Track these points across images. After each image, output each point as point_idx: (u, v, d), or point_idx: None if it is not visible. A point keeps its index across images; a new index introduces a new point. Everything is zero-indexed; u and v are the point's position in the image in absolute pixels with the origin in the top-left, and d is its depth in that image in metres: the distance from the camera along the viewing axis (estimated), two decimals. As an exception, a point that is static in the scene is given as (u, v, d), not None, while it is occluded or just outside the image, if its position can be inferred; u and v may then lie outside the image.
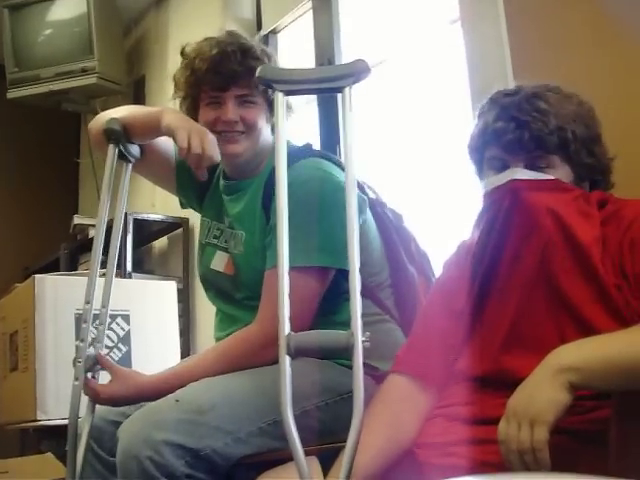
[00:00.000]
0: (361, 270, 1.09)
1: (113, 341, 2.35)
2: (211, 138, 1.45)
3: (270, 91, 1.52)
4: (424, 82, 2.51)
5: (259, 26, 3.28)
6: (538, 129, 1.17)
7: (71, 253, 3.69)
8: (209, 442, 1.30)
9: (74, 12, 3.65)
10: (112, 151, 1.53)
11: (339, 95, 1.16)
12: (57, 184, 4.48)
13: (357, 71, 1.15)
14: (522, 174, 1.19)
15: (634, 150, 1.27)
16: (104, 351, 1.49)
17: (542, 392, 0.95)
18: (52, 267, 3.57)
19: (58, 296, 2.35)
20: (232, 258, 1.61)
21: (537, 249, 1.14)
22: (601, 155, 1.25)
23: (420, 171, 2.45)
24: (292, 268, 1.11)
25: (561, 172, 1.21)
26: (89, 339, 1.42)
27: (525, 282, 1.14)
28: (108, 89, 3.71)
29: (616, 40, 1.61)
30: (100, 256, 1.51)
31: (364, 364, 1.04)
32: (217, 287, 1.68)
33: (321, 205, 1.45)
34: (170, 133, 1.46)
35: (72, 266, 3.64)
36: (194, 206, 1.81)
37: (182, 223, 3.30)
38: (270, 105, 1.59)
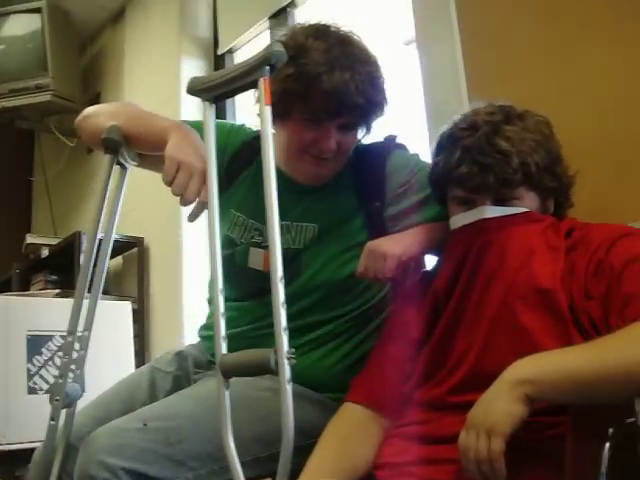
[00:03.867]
0: None
1: (66, 363, 2.30)
2: (198, 181, 1.25)
3: (372, 114, 1.44)
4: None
5: (216, 45, 3.29)
6: (502, 171, 1.18)
7: (23, 273, 3.64)
8: (170, 475, 1.26)
9: (28, 28, 3.61)
10: (110, 162, 1.38)
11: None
12: (9, 202, 4.40)
13: (270, 59, 1.10)
14: (491, 212, 1.21)
15: (588, 166, 1.30)
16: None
17: (499, 404, 0.96)
18: (4, 287, 3.50)
19: (9, 317, 2.29)
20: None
21: (501, 289, 1.16)
22: (563, 174, 1.27)
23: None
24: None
25: (528, 201, 1.23)
26: (70, 375, 1.30)
27: (490, 321, 1.16)
28: (62, 106, 3.67)
29: (568, 60, 1.65)
30: (88, 279, 1.37)
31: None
32: (248, 285, 1.51)
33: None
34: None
35: (24, 286, 3.58)
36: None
37: (137, 243, 3.26)
38: (366, 127, 1.48)
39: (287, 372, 0.98)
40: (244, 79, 1.13)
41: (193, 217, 1.29)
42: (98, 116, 1.49)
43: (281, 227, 1.31)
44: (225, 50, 3.20)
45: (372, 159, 1.51)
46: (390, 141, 1.58)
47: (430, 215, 1.44)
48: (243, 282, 1.51)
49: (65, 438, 1.32)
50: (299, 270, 1.46)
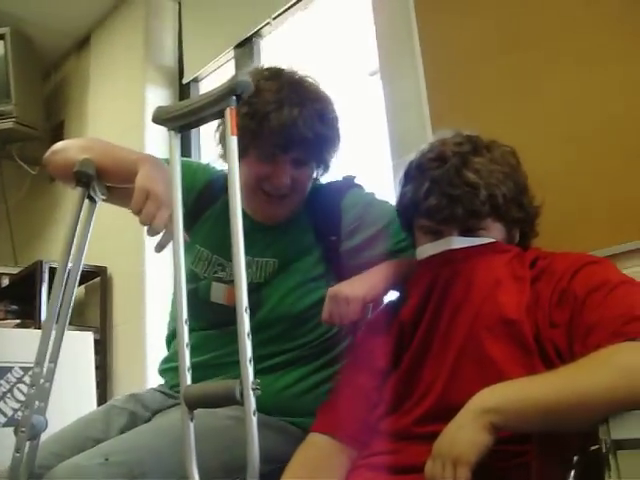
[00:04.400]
0: None
1: (25, 395, 2.25)
2: (167, 211, 1.27)
3: (323, 149, 1.50)
4: (345, 131, 2.55)
5: (181, 74, 3.29)
6: (470, 203, 1.20)
7: (-19, 302, 3.55)
8: None
9: (-9, 55, 3.58)
10: (82, 195, 1.38)
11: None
12: (-31, 230, 4.32)
13: (236, 90, 1.10)
14: (458, 242, 1.22)
15: (552, 196, 1.32)
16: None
17: (464, 433, 0.96)
18: (-39, 317, 3.42)
19: (-34, 347, 2.25)
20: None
21: (467, 319, 1.16)
22: (529, 205, 1.29)
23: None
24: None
25: (494, 231, 1.24)
26: (35, 405, 1.28)
27: (457, 351, 1.16)
28: (25, 134, 3.63)
29: (531, 91, 1.68)
30: (57, 311, 1.35)
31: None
32: (211, 318, 1.53)
33: (385, 211, 1.53)
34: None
35: (-17, 316, 3.50)
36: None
37: (100, 272, 3.22)
38: (319, 163, 1.54)
39: (252, 403, 0.98)
40: (210, 109, 1.13)
41: (160, 247, 1.29)
42: (68, 150, 1.50)
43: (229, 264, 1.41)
44: (190, 79, 3.20)
45: (329, 196, 1.56)
46: (348, 180, 1.62)
47: (388, 248, 1.48)
48: (206, 315, 1.53)
49: (28, 471, 1.28)
50: (260, 303, 1.49)
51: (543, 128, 1.65)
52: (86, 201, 1.39)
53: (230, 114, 1.10)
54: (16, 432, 1.24)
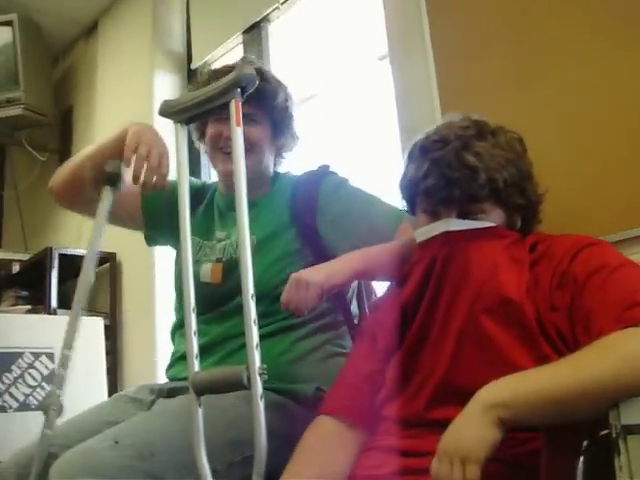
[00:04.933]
0: None
1: (37, 380, 2.27)
2: (158, 155, 1.42)
3: (276, 112, 1.64)
4: (355, 116, 2.54)
5: (189, 59, 3.28)
6: (468, 186, 1.19)
7: (-7, 289, 3.57)
8: None
9: (-1, 41, 3.58)
10: (112, 194, 1.50)
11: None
12: (-21, 217, 4.35)
13: (241, 82, 1.14)
14: (456, 225, 1.21)
15: (559, 182, 1.31)
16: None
17: (471, 430, 0.94)
18: (-27, 303, 3.45)
19: (-21, 333, 2.26)
20: (225, 265, 1.60)
21: (467, 301, 1.16)
22: (532, 192, 1.28)
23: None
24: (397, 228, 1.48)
25: (494, 216, 1.23)
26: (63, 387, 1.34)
27: (457, 333, 1.16)
28: (34, 120, 3.63)
29: (541, 76, 1.67)
30: (85, 298, 1.44)
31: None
32: (200, 300, 1.56)
33: (361, 192, 1.64)
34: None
35: (-6, 302, 3.52)
36: (167, 236, 1.79)
37: (109, 258, 3.23)
38: (271, 123, 1.67)
39: (259, 388, 1.00)
40: (215, 101, 1.17)
41: (147, 187, 1.44)
42: (71, 161, 1.67)
43: (228, 241, 1.59)
44: (199, 64, 3.19)
45: (306, 180, 1.67)
46: (323, 167, 1.71)
47: (362, 228, 1.56)
48: (198, 298, 1.56)
49: (42, 453, 1.33)
50: None
51: (553, 113, 1.64)
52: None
53: (235, 106, 1.13)
54: (47, 411, 1.30)
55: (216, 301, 1.58)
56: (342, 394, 1.30)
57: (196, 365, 1.08)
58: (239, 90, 1.13)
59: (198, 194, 1.77)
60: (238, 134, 1.14)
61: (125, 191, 1.52)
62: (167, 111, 1.21)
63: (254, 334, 1.02)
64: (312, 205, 1.60)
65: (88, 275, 1.46)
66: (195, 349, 1.09)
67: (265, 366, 1.01)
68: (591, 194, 1.55)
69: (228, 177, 1.61)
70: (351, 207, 1.60)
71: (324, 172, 1.69)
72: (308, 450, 1.23)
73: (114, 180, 1.47)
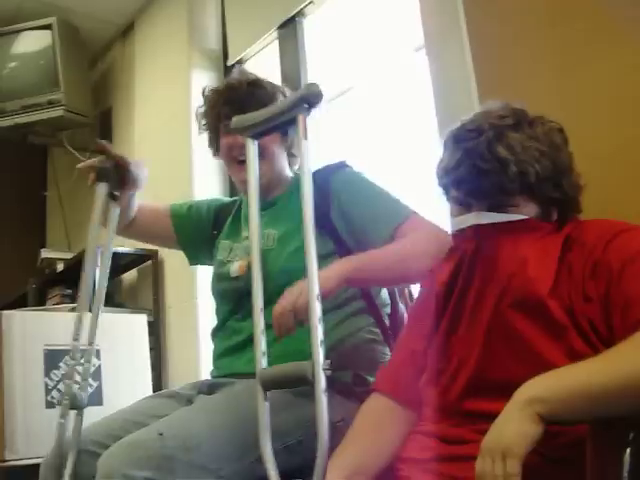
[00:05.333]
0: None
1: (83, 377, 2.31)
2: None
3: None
4: (392, 108, 2.53)
5: (225, 57, 3.30)
6: (498, 178, 1.18)
7: (39, 288, 3.64)
8: None
9: (39, 45, 3.64)
10: (104, 189, 1.65)
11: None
12: (24, 217, 4.43)
13: (308, 98, 1.17)
14: (486, 218, 1.20)
15: (600, 173, 1.29)
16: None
17: (511, 426, 0.95)
18: (20, 302, 3.52)
19: (26, 332, 2.31)
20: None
21: (494, 296, 1.16)
22: (569, 186, 1.25)
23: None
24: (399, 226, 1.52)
25: (526, 209, 1.21)
26: (77, 377, 1.46)
27: (486, 327, 1.16)
28: (75, 121, 3.69)
29: (581, 61, 1.64)
30: (90, 292, 1.55)
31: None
32: (231, 295, 1.70)
33: (372, 186, 1.67)
34: None
35: (40, 301, 3.59)
36: (203, 251, 1.92)
37: (151, 255, 3.27)
38: (285, 132, 1.75)
39: (323, 383, 1.04)
40: (283, 117, 1.22)
41: None
42: None
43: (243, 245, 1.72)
44: (235, 61, 3.20)
45: (321, 173, 1.69)
46: (339, 162, 1.76)
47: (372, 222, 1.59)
48: (230, 294, 1.71)
49: (75, 443, 1.44)
50: (269, 265, 1.60)
51: (593, 102, 1.60)
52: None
53: (302, 121, 1.18)
54: (60, 402, 1.45)
55: (245, 295, 1.58)
56: (395, 375, 1.34)
57: (263, 362, 1.13)
58: (306, 106, 1.17)
59: (227, 208, 1.90)
60: (306, 147, 1.18)
61: (154, 214, 1.73)
62: (240, 127, 1.27)
63: (319, 332, 1.06)
64: (326, 195, 1.64)
65: (89, 273, 1.58)
66: (263, 346, 1.14)
67: (329, 362, 1.05)
68: (634, 182, 1.52)
69: (244, 185, 1.64)
70: (359, 199, 1.63)
71: (339, 165, 1.73)
72: (364, 422, 1.29)
73: (106, 175, 1.62)
